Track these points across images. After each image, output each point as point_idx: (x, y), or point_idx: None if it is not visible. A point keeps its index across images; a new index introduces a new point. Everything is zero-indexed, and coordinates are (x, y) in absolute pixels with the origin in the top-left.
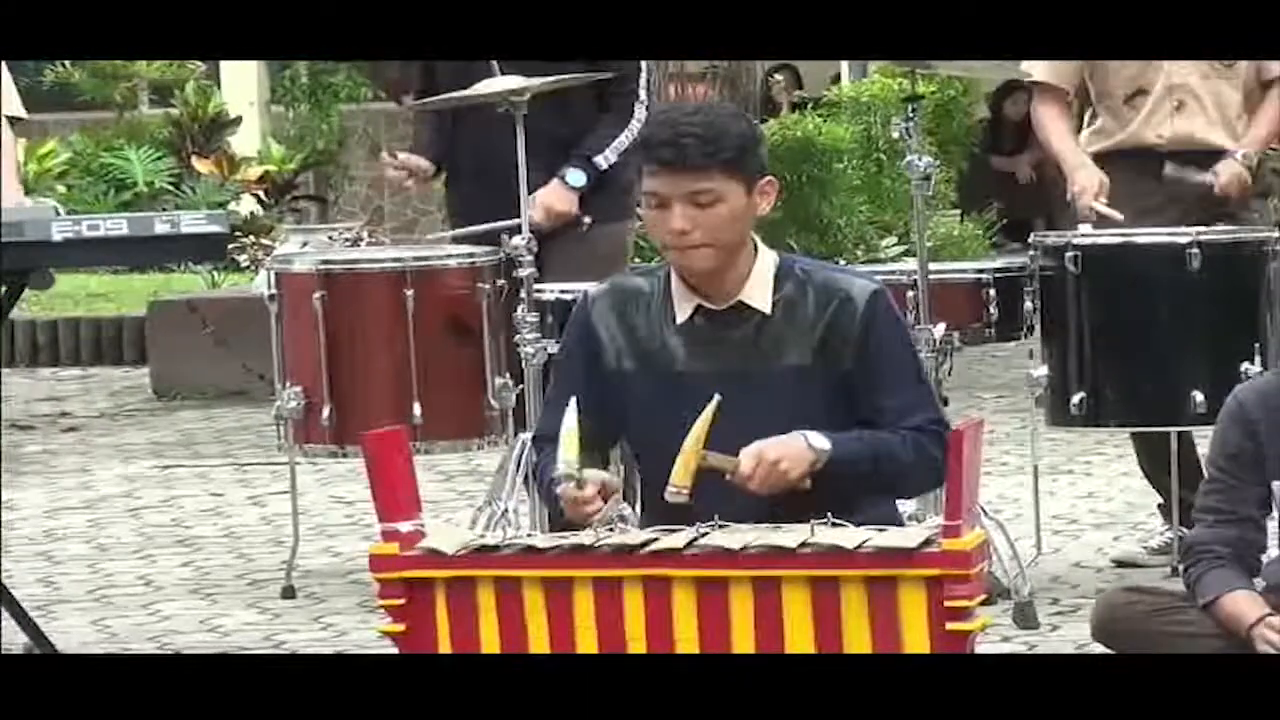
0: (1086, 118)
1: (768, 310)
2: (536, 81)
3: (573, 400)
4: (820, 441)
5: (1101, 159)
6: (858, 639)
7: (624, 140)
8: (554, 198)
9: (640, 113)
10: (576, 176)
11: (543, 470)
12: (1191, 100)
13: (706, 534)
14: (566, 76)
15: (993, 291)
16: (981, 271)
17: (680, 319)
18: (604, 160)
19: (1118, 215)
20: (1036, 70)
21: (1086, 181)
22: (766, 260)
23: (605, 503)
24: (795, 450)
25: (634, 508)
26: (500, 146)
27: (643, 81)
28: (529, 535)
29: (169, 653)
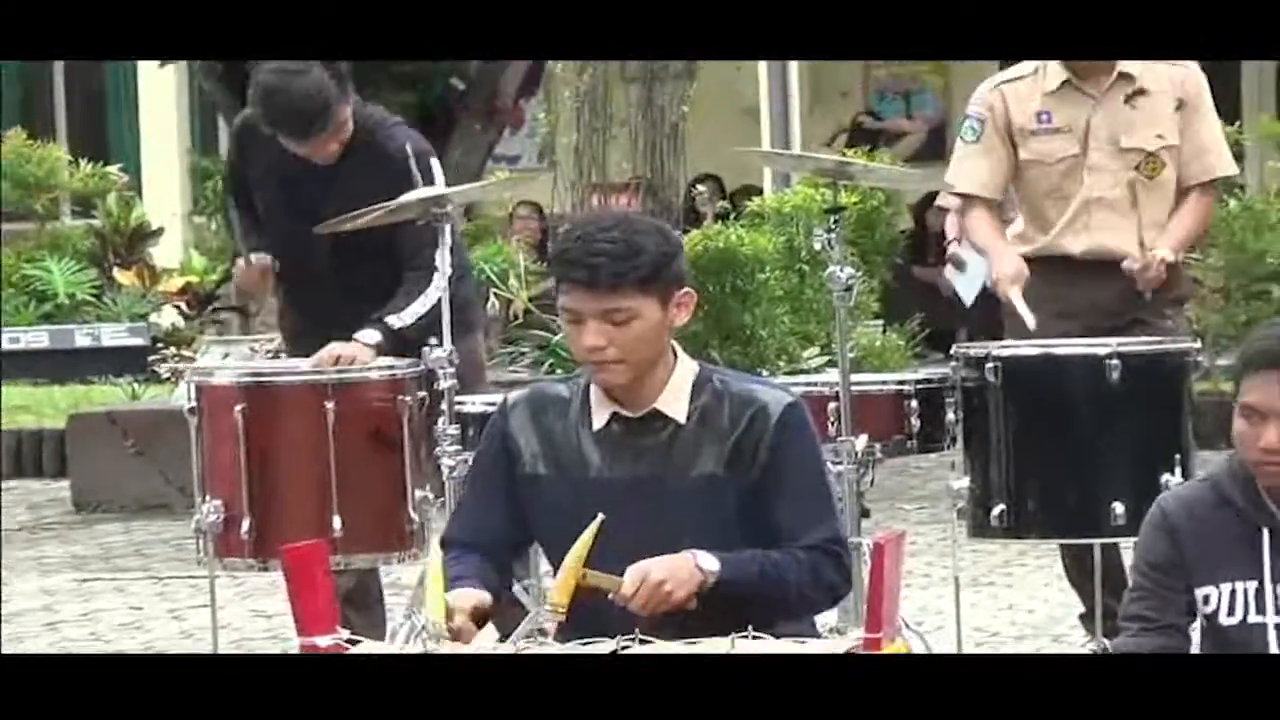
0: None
1: (683, 420)
2: (458, 190)
3: (435, 548)
4: (709, 563)
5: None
6: None
7: (420, 307)
8: (346, 348)
9: (439, 280)
10: (370, 335)
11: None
12: (1109, 213)
13: (627, 647)
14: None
15: (914, 403)
16: (903, 383)
17: (597, 425)
18: (398, 321)
19: (1029, 315)
20: (962, 184)
21: (1007, 269)
22: (685, 369)
23: (479, 626)
24: (681, 571)
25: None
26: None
27: (438, 256)
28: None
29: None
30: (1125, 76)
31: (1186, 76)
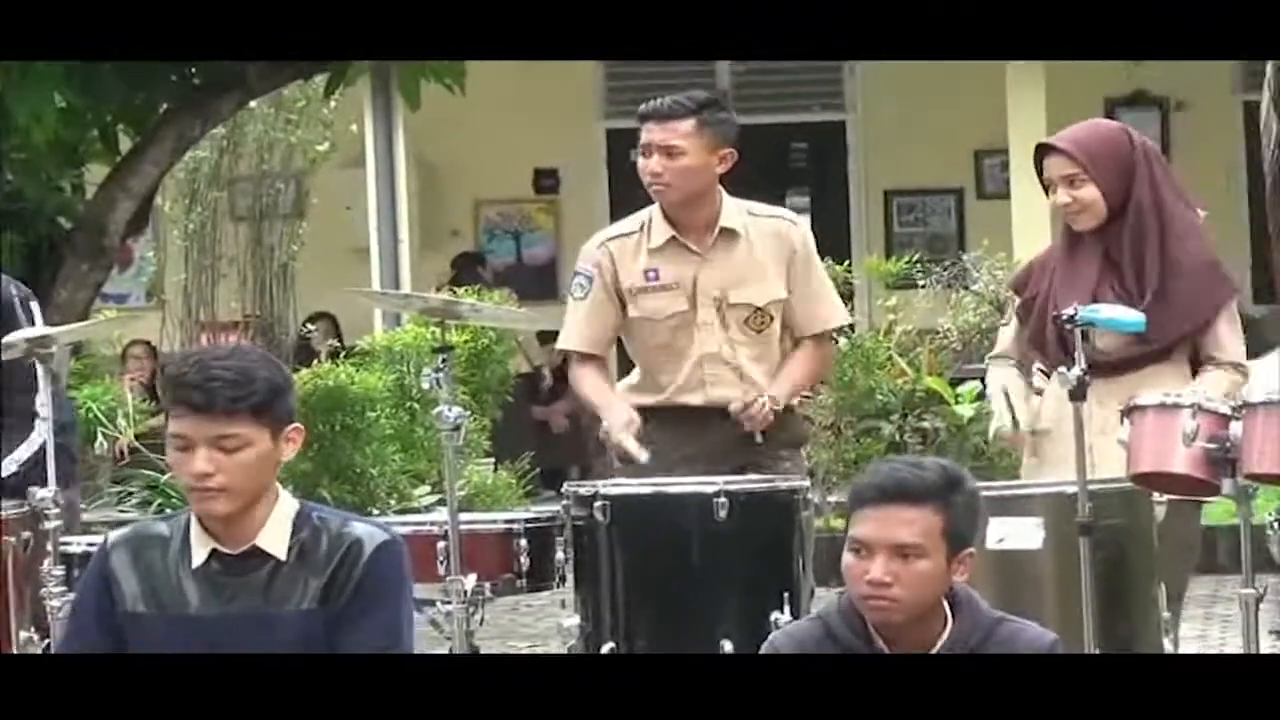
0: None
1: (282, 556)
2: (64, 329)
3: None
4: None
5: (640, 410)
6: None
7: (23, 453)
8: None
9: (41, 427)
10: None
11: None
12: (722, 368)
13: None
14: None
15: (524, 541)
16: (512, 521)
17: (196, 562)
18: (4, 470)
19: (642, 455)
20: (569, 341)
21: (617, 418)
22: (286, 506)
23: None
24: None
25: None
26: None
27: (40, 400)
28: None
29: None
30: (728, 232)
31: (792, 230)
